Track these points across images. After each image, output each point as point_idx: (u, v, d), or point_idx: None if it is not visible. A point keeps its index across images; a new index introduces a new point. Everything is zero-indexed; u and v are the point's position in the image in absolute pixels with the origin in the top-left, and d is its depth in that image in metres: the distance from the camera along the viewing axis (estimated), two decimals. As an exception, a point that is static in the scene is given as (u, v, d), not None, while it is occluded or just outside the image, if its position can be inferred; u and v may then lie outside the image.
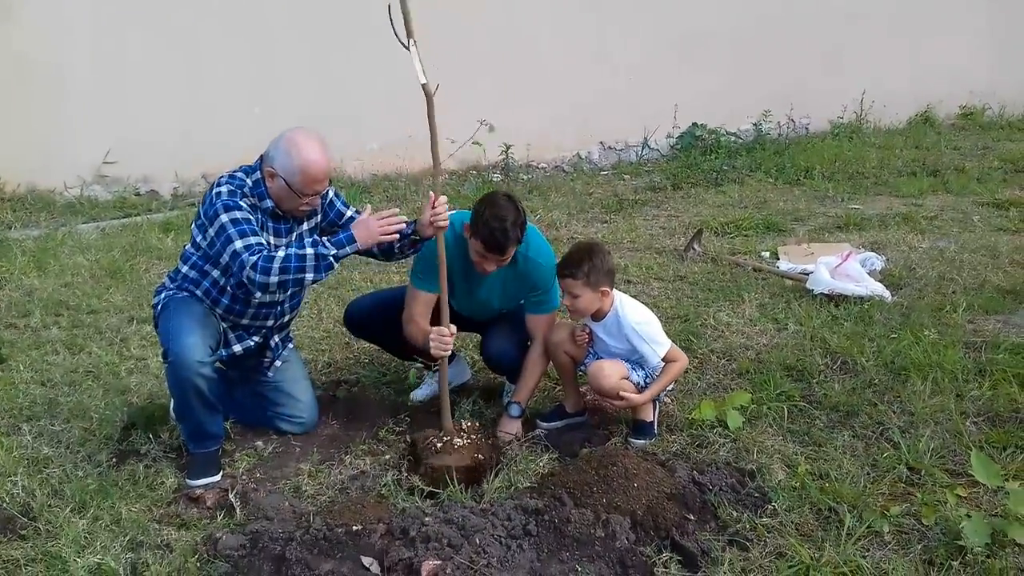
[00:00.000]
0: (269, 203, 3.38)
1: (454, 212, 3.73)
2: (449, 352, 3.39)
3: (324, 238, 3.26)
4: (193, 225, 3.49)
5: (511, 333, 3.84)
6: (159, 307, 3.49)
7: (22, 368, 4.35)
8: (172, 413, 3.63)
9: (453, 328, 3.38)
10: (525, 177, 9.13)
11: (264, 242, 3.27)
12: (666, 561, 2.80)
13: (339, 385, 4.26)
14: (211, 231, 3.29)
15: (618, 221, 7.35)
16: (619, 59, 9.58)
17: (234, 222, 3.23)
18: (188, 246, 3.53)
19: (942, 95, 11.63)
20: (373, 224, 3.23)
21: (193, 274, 3.45)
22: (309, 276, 3.19)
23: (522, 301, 3.81)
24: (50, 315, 5.08)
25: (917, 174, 8.74)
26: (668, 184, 8.64)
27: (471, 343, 4.60)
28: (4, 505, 3.14)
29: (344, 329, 4.69)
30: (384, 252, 3.54)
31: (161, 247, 6.39)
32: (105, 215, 7.39)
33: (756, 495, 3.15)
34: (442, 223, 3.27)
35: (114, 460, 3.50)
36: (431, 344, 3.36)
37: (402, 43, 2.82)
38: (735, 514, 3.03)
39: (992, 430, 3.56)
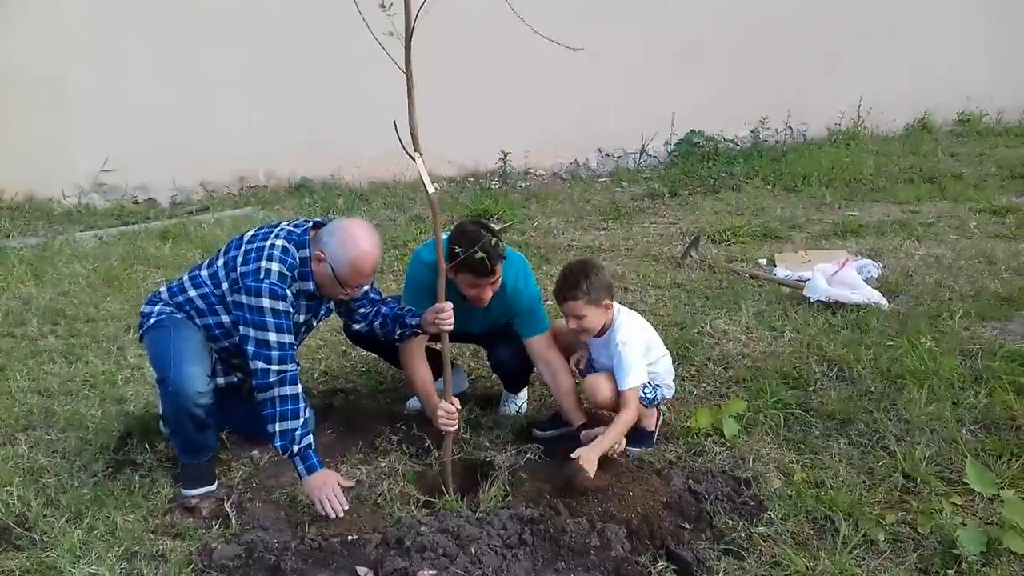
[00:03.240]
0: (311, 285, 3.34)
1: (422, 245, 3.82)
2: (455, 427, 3.38)
3: (309, 441, 3.20)
4: (221, 260, 3.38)
5: (516, 338, 3.86)
6: (151, 321, 3.40)
7: (19, 377, 4.35)
8: (163, 428, 3.62)
9: (457, 403, 3.38)
10: (523, 184, 9.15)
11: (294, 343, 3.28)
12: (661, 570, 2.81)
13: (336, 394, 4.26)
14: (244, 299, 3.20)
15: (615, 228, 7.36)
16: (617, 66, 9.59)
17: (275, 312, 3.18)
18: (203, 272, 3.42)
19: (939, 101, 11.65)
20: (329, 484, 3.18)
21: (201, 304, 3.38)
22: (273, 426, 3.17)
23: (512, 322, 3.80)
24: (47, 324, 5.08)
25: (914, 181, 8.75)
26: (665, 191, 8.65)
27: (467, 352, 4.60)
28: (0, 515, 3.14)
29: (341, 338, 4.71)
30: (385, 337, 3.61)
31: (159, 255, 6.39)
32: (103, 223, 7.39)
33: (752, 503, 3.16)
34: (446, 327, 3.27)
35: (110, 470, 3.49)
36: (439, 421, 3.35)
37: (409, 155, 2.93)
38: (731, 523, 3.04)
39: (988, 438, 3.56)
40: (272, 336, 3.17)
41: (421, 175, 2.96)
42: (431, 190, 3.00)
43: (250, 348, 3.18)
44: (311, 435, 3.24)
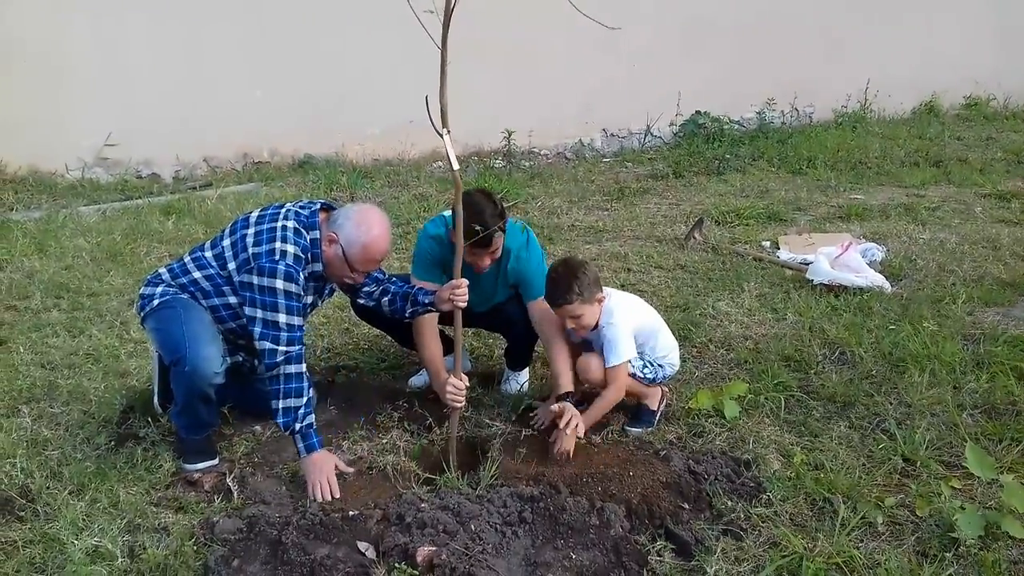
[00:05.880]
0: (320, 267, 3.34)
1: (429, 221, 3.85)
2: (463, 404, 3.41)
3: (311, 421, 3.22)
4: (227, 240, 3.35)
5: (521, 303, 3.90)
6: (155, 302, 3.36)
7: (22, 350, 4.36)
8: (157, 406, 3.63)
9: (466, 380, 3.41)
10: (527, 164, 9.12)
11: (303, 326, 3.29)
12: (660, 549, 2.82)
13: (337, 371, 4.27)
14: (256, 279, 3.19)
15: (619, 209, 7.34)
16: (623, 46, 9.53)
17: (287, 295, 3.19)
18: (207, 253, 3.39)
19: (947, 84, 11.60)
20: (324, 470, 3.19)
21: (207, 286, 3.36)
22: (277, 403, 3.18)
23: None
24: (51, 297, 5.09)
25: (920, 164, 8.74)
26: (670, 172, 8.63)
27: (471, 331, 4.60)
28: (3, 487, 3.16)
29: (344, 315, 4.72)
30: (393, 314, 3.61)
31: (162, 230, 6.38)
32: (106, 198, 7.38)
33: (751, 485, 3.17)
34: (461, 304, 3.28)
35: (113, 443, 3.51)
36: (447, 396, 3.38)
37: (438, 131, 2.94)
38: (730, 503, 3.05)
39: (988, 422, 3.57)
40: (282, 317, 3.18)
41: (447, 151, 2.97)
42: (456, 167, 3.01)
43: (257, 329, 3.19)
44: (313, 415, 3.26)
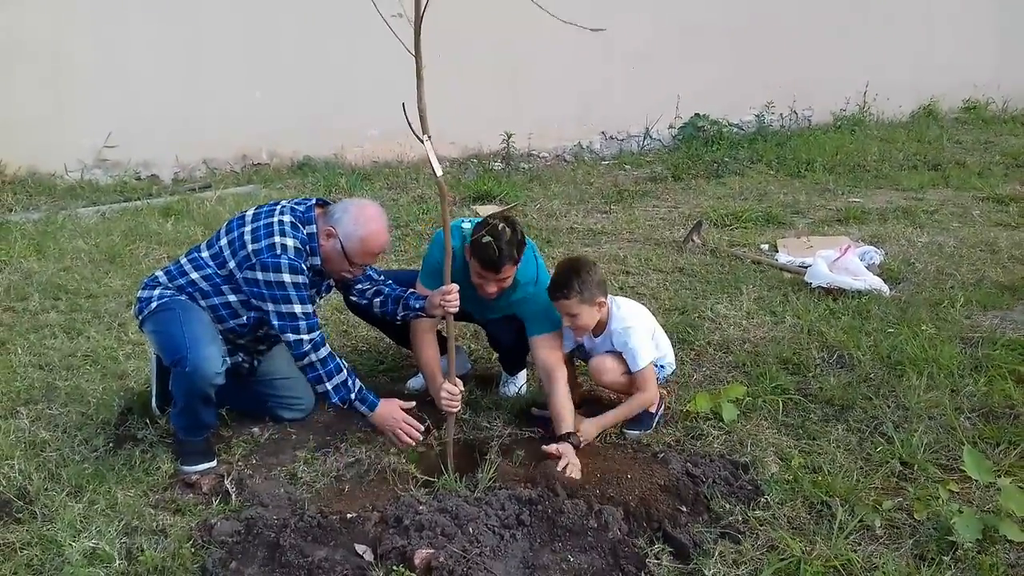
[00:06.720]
0: (317, 260, 3.37)
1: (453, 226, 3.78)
2: (458, 408, 3.42)
3: (360, 384, 3.39)
4: (224, 239, 3.38)
5: (513, 318, 3.86)
6: (153, 305, 3.37)
7: (20, 352, 4.36)
8: (155, 407, 3.64)
9: (460, 385, 3.41)
10: (526, 166, 9.12)
11: (315, 312, 3.37)
12: (658, 552, 2.82)
13: (336, 372, 4.27)
14: (260, 275, 3.23)
15: (618, 211, 7.35)
16: (621, 48, 9.55)
17: (296, 286, 3.24)
18: (204, 254, 3.42)
19: (945, 88, 11.61)
20: (396, 416, 3.39)
21: (205, 286, 3.37)
22: (325, 386, 3.34)
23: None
24: (49, 299, 5.08)
25: (918, 168, 8.75)
26: (669, 175, 8.64)
27: (469, 333, 4.61)
28: (1, 489, 3.16)
29: (342, 317, 4.72)
30: (384, 315, 3.66)
31: (161, 232, 6.38)
32: (105, 199, 7.38)
33: (749, 488, 3.17)
34: (452, 309, 3.30)
35: (111, 445, 3.51)
36: (442, 402, 3.39)
37: (418, 137, 2.93)
38: (728, 506, 3.04)
39: (986, 426, 3.57)
40: (297, 308, 3.26)
41: (429, 158, 2.95)
42: (439, 173, 2.99)
43: (275, 322, 3.27)
44: (358, 379, 3.40)
